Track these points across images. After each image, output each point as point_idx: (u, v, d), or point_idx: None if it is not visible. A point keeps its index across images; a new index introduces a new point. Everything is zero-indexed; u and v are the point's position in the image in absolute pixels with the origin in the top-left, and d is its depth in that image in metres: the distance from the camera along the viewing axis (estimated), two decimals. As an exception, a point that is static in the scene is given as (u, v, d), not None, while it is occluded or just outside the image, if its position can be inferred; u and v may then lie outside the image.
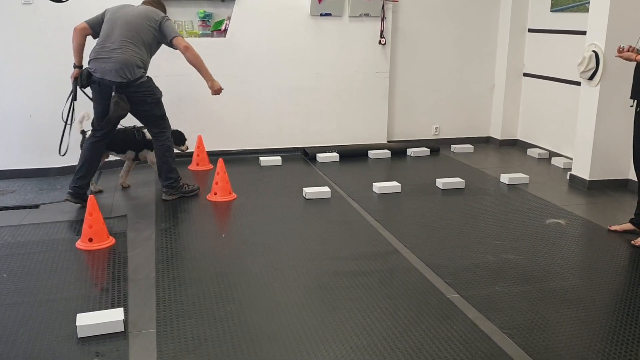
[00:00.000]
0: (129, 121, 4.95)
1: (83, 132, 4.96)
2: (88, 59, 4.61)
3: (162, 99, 4.78)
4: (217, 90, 4.82)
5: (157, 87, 4.74)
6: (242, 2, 6.14)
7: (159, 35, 4.63)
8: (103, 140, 4.74)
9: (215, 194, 4.93)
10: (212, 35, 6.17)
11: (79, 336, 2.86)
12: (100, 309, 3.08)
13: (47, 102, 5.49)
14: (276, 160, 6.16)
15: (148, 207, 4.78)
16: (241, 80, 6.25)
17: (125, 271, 3.60)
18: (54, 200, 4.91)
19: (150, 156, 5.13)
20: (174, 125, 5.12)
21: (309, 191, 5.01)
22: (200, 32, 6.11)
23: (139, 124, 5.05)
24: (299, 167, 6.09)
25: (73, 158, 5.63)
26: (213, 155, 6.02)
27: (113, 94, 4.44)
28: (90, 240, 3.94)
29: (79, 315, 2.95)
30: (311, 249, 3.94)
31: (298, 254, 3.86)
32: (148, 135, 5.03)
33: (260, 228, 4.32)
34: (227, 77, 6.17)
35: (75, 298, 3.25)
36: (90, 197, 4.00)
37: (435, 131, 7.18)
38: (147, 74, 4.65)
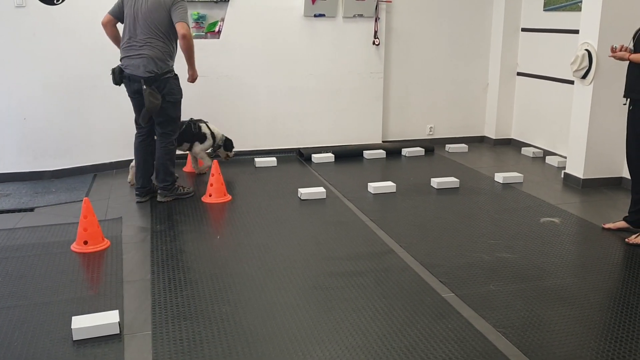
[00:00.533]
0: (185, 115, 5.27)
1: None
2: (120, 56, 4.70)
3: None
4: (194, 80, 4.86)
5: (179, 88, 4.78)
6: (236, 4, 6.14)
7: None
8: (149, 136, 4.85)
9: (210, 196, 4.93)
10: (206, 37, 6.16)
11: (74, 339, 2.85)
12: (95, 311, 3.07)
13: (42, 105, 5.48)
14: (271, 161, 6.16)
15: (143, 209, 4.78)
16: (235, 82, 6.26)
17: (120, 273, 3.60)
18: (48, 203, 4.90)
19: (197, 148, 5.53)
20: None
21: (304, 192, 5.01)
22: (194, 34, 6.09)
23: (195, 117, 5.55)
24: (294, 167, 6.10)
25: (68, 161, 5.65)
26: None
27: (144, 87, 4.53)
28: (86, 242, 3.93)
29: (74, 318, 2.95)
30: (306, 250, 3.95)
31: (293, 255, 3.86)
32: (204, 129, 5.54)
33: (255, 229, 4.32)
34: (221, 78, 6.19)
35: (71, 301, 3.25)
36: (85, 199, 3.99)
37: (430, 131, 7.20)
38: (174, 72, 4.71)
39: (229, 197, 5.00)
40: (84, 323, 2.89)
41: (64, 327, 2.95)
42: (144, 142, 4.87)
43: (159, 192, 4.91)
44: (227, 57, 6.16)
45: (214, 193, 4.93)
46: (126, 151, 5.86)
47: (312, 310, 3.12)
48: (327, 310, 3.12)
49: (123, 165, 5.91)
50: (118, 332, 2.91)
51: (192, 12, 6.08)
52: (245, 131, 6.43)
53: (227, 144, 5.82)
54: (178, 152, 5.34)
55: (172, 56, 4.71)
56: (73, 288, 3.41)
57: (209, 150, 5.73)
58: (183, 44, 4.56)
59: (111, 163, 5.89)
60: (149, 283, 3.46)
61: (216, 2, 6.09)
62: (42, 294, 3.33)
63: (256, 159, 6.18)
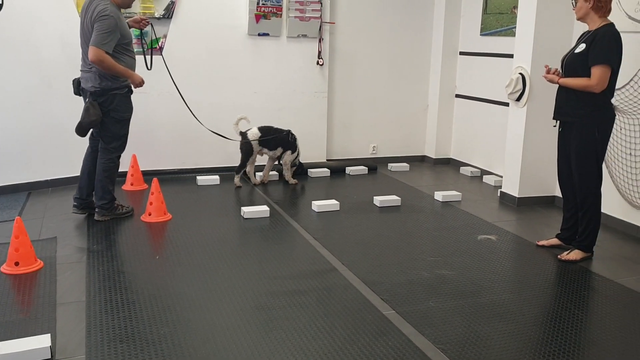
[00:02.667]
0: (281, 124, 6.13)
1: (242, 133, 5.85)
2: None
3: None
4: (138, 84, 4.70)
5: (128, 106, 4.72)
6: (179, 21, 6.10)
7: None
8: (98, 150, 4.78)
9: (150, 215, 4.83)
10: (148, 53, 6.06)
11: (1, 366, 2.72)
12: (25, 335, 2.94)
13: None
14: (214, 179, 6.10)
15: (79, 228, 4.63)
16: (177, 99, 6.16)
17: (53, 295, 3.46)
18: (-23, 223, 4.68)
19: (287, 156, 6.05)
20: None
21: (248, 210, 4.98)
22: (135, 50, 5.99)
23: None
24: (238, 186, 6.05)
25: (0, 179, 5.44)
26: (148, 175, 5.90)
27: (87, 100, 4.53)
28: (17, 264, 3.77)
29: (1, 344, 2.80)
30: (249, 269, 3.91)
31: (235, 275, 3.82)
32: (297, 142, 6.07)
33: (196, 249, 4.25)
34: (162, 95, 6.11)
35: (-1, 325, 3.10)
36: (17, 219, 3.83)
37: (373, 150, 7.31)
38: (128, 89, 4.66)
39: (169, 216, 4.91)
40: (13, 348, 2.76)
41: (-9, 353, 2.81)
42: (92, 154, 4.81)
43: (96, 210, 4.77)
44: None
45: (154, 212, 4.83)
46: (63, 169, 5.72)
47: (253, 331, 3.09)
48: (269, 331, 3.09)
49: (59, 183, 5.73)
50: (49, 357, 2.78)
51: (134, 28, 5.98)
52: (187, 148, 6.36)
53: (301, 166, 6.34)
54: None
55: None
56: (2, 312, 3.25)
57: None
58: (100, 68, 4.43)
59: (47, 181, 5.70)
60: (84, 305, 3.34)
61: (158, 18, 6.03)
62: (-32, 319, 3.16)
63: (198, 177, 6.11)
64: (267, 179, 6.19)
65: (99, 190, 4.73)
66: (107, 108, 4.57)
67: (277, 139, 5.95)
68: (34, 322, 3.15)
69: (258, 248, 4.32)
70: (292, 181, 6.16)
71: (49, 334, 2.92)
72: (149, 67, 5.10)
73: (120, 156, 4.82)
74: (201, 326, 3.13)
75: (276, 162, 6.21)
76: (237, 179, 5.97)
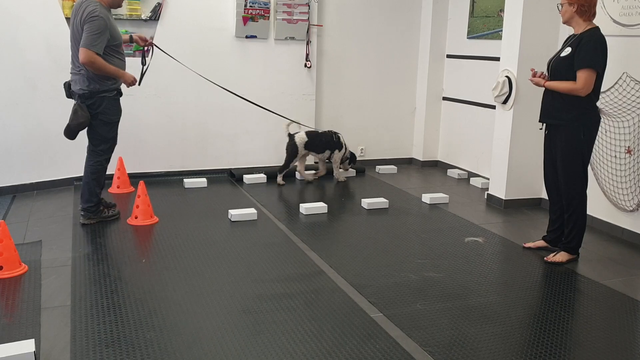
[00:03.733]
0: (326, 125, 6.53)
1: (290, 135, 6.11)
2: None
3: None
4: (130, 83, 4.68)
5: (117, 109, 4.69)
6: (166, 23, 6.07)
7: None
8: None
9: (136, 218, 4.79)
10: (134, 55, 6.03)
11: (-16, 371, 2.68)
12: (9, 341, 2.90)
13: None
14: (201, 182, 6.08)
15: (65, 232, 4.59)
16: (164, 101, 6.16)
17: (38, 300, 3.42)
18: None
19: (336, 156, 6.28)
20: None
21: (235, 213, 4.96)
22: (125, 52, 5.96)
23: (334, 129, 6.40)
24: (225, 188, 6.03)
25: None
26: (134, 178, 5.86)
27: (75, 102, 4.52)
28: (0, 268, 3.73)
29: (-16, 349, 2.77)
30: (236, 273, 3.90)
31: (222, 278, 3.80)
32: (341, 139, 6.30)
33: (183, 252, 4.23)
34: (149, 97, 6.08)
35: (-18, 331, 3.06)
36: (1, 222, 3.79)
37: (361, 152, 7.31)
38: (117, 91, 4.65)
39: (155, 219, 4.88)
40: (-4, 354, 2.73)
41: (-26, 359, 2.77)
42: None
43: (82, 213, 4.73)
44: (156, 76, 6.04)
45: (140, 215, 4.79)
46: (48, 171, 5.67)
47: (240, 335, 3.07)
48: (256, 334, 3.08)
49: (44, 186, 5.68)
50: (33, 362, 2.76)
51: (121, 30, 5.94)
52: (174, 151, 6.33)
53: (353, 157, 6.53)
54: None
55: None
56: (-15, 317, 3.22)
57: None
58: (91, 70, 4.42)
59: (32, 184, 5.64)
60: (69, 309, 3.31)
61: (145, 20, 6.00)
62: (-50, 324, 3.12)
63: (185, 180, 6.08)
64: (318, 175, 6.52)
65: (85, 193, 4.70)
66: (95, 111, 4.54)
67: (324, 142, 6.22)
68: (17, 327, 3.12)
69: (245, 251, 4.30)
70: (342, 178, 6.44)
71: (33, 339, 2.88)
72: (139, 83, 5.00)
73: (108, 159, 4.78)
74: (188, 330, 3.11)
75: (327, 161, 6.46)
76: (279, 178, 6.19)
